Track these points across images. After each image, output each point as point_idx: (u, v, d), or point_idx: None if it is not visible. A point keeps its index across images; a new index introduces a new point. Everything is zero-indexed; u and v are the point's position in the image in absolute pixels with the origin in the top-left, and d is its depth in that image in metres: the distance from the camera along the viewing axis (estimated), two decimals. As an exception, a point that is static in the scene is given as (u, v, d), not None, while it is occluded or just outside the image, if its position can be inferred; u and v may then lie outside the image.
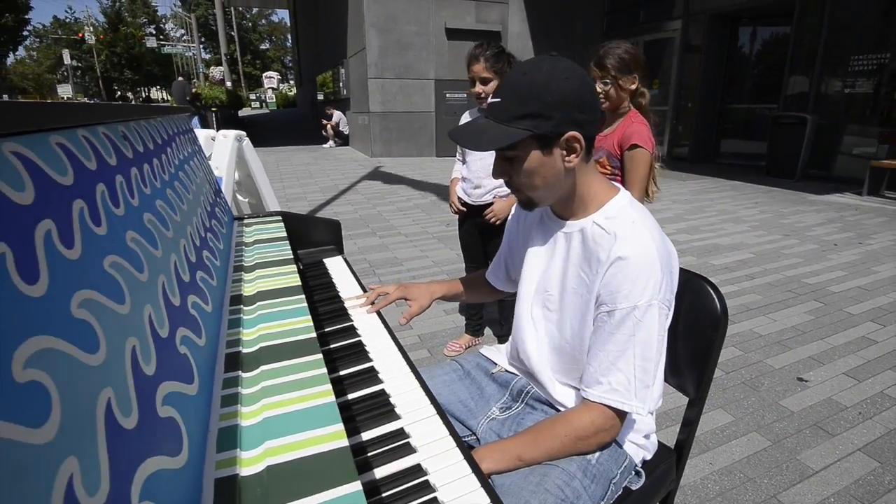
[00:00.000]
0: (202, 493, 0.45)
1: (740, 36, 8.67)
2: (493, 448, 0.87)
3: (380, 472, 0.62)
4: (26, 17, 31.23)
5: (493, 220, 2.06)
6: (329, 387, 0.57)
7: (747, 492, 1.56)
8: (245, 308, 0.83)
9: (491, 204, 2.08)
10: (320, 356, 0.65)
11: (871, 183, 6.10)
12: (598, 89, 1.69)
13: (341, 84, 12.15)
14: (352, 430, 0.71)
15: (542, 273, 0.98)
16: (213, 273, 0.85)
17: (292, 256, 1.07)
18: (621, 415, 0.85)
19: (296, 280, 0.93)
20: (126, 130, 0.73)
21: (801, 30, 7.26)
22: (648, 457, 1.00)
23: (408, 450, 0.67)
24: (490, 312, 2.74)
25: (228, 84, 15.22)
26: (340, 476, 0.45)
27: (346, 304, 1.16)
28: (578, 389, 0.97)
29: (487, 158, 2.05)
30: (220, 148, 1.89)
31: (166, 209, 0.74)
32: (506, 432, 1.00)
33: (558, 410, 1.00)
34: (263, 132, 16.06)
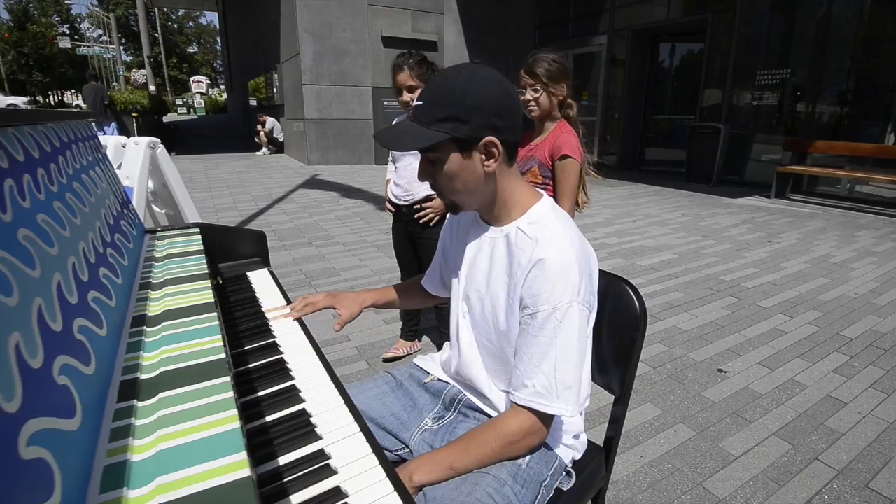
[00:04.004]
0: (78, 542, 0.40)
1: (661, 52, 9.26)
2: (425, 459, 0.86)
3: (297, 499, 0.59)
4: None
5: (430, 215, 2.06)
6: (234, 412, 0.53)
7: (675, 482, 1.63)
8: (148, 329, 0.76)
9: (417, 204, 2.09)
10: (227, 379, 0.60)
11: (778, 186, 6.69)
12: (529, 96, 1.73)
13: (275, 90, 11.79)
14: (268, 455, 0.66)
15: (470, 278, 0.98)
16: (112, 292, 0.78)
17: (207, 271, 1.00)
18: (548, 418, 0.86)
19: (208, 297, 0.87)
20: (2, 138, 0.65)
21: (714, 47, 7.85)
22: (578, 456, 1.02)
23: (327, 472, 0.63)
24: (429, 320, 2.73)
25: (152, 88, 14.37)
26: (241, 509, 0.42)
27: (269, 318, 1.11)
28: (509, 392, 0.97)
29: (415, 164, 2.05)
30: (132, 156, 1.75)
31: (51, 224, 0.67)
32: (439, 442, 0.99)
33: (490, 416, 0.99)
34: (191, 139, 15.29)
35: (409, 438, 1.04)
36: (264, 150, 11.69)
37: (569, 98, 1.76)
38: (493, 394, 0.99)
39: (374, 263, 3.83)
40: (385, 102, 9.69)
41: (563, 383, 0.82)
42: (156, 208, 2.15)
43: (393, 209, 2.20)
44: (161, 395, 0.58)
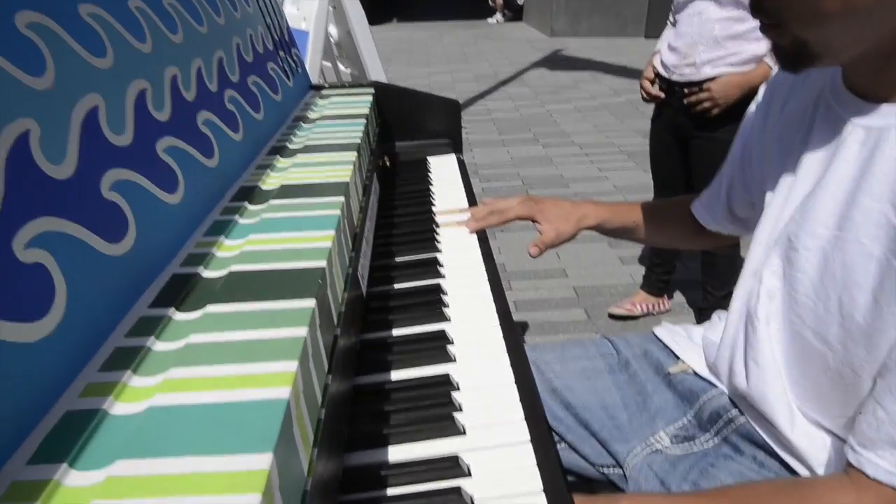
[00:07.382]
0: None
1: None
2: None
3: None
4: None
5: (706, 104, 1.65)
6: (293, 366, 0.38)
7: None
8: (250, 206, 0.67)
9: (698, 85, 1.68)
10: (311, 303, 0.45)
11: None
12: None
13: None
14: (366, 439, 0.52)
15: (804, 208, 0.65)
16: (214, 149, 0.70)
17: (358, 141, 0.89)
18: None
19: (345, 174, 0.75)
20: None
21: None
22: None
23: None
24: (690, 270, 2.36)
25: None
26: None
27: (440, 222, 0.99)
28: (835, 436, 0.66)
29: (708, 11, 1.61)
30: (309, -6, 1.77)
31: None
32: (677, 481, 0.75)
33: (788, 469, 0.70)
34: (416, 3, 16.25)
35: (626, 456, 0.82)
36: (497, 16, 11.76)
37: None
38: (799, 433, 0.68)
39: (619, 176, 3.54)
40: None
41: None
42: (341, 66, 2.21)
43: (659, 94, 1.82)
44: (209, 308, 0.46)
